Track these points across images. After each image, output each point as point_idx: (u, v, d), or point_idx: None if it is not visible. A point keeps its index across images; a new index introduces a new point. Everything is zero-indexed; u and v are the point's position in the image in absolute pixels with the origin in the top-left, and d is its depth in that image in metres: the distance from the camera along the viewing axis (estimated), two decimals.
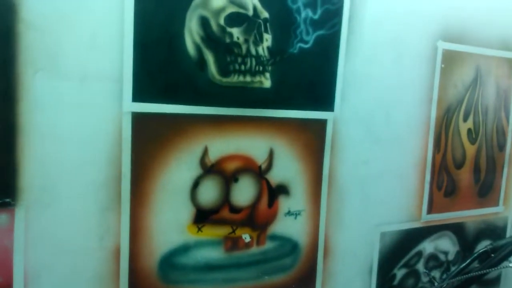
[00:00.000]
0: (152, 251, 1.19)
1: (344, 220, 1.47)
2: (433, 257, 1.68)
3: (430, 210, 1.63)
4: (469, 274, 1.41)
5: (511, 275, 1.92)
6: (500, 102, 1.74)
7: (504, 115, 1.76)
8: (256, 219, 1.32)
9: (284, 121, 1.31)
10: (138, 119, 1.12)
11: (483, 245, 1.69)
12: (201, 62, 1.17)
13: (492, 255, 1.40)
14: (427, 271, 1.66)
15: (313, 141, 1.37)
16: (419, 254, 1.65)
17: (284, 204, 1.36)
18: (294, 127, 1.33)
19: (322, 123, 1.38)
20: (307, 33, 1.30)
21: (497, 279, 1.91)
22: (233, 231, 1.29)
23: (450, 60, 1.58)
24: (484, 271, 1.22)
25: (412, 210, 1.60)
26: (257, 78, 1.25)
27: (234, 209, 1.28)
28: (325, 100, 1.37)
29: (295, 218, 1.38)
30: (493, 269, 1.26)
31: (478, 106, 1.68)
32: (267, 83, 1.27)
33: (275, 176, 1.33)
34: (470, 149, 1.69)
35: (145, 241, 1.18)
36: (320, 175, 1.40)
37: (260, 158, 1.30)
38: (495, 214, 1.84)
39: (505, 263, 1.27)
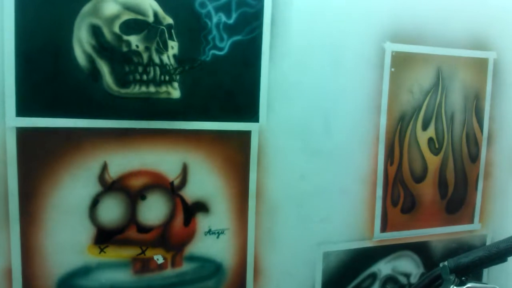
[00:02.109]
0: (48, 273, 1.13)
1: (278, 239, 1.36)
2: (391, 279, 1.53)
3: (384, 228, 1.48)
4: None
5: None
6: (470, 107, 1.56)
7: (477, 122, 1.58)
8: (169, 239, 1.23)
9: (199, 133, 1.22)
10: (24, 135, 1.07)
11: None
12: (94, 72, 1.10)
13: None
14: None
15: (235, 154, 1.27)
16: (373, 276, 1.50)
17: (203, 222, 1.26)
18: (211, 139, 1.24)
19: (246, 134, 1.27)
20: (221, 39, 1.20)
21: None
22: (143, 252, 1.21)
23: (403, 63, 1.43)
24: None
25: (362, 228, 1.46)
26: (163, 88, 1.17)
27: (143, 229, 1.20)
28: (248, 110, 1.27)
29: (218, 237, 1.28)
30: None
31: (441, 113, 1.51)
32: (175, 93, 1.18)
33: (191, 193, 1.24)
34: (433, 161, 1.52)
35: (40, 262, 1.12)
36: (246, 191, 1.30)
37: (172, 173, 1.21)
38: (471, 232, 1.65)
39: None
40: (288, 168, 1.34)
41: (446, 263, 1.02)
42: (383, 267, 1.51)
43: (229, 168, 1.27)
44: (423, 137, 1.49)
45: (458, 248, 1.63)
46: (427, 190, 1.53)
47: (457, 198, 1.59)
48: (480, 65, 1.55)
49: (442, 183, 1.55)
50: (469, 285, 0.94)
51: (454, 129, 1.54)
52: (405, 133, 1.46)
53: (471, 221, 1.63)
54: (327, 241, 1.42)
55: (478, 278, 1.70)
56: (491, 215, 1.68)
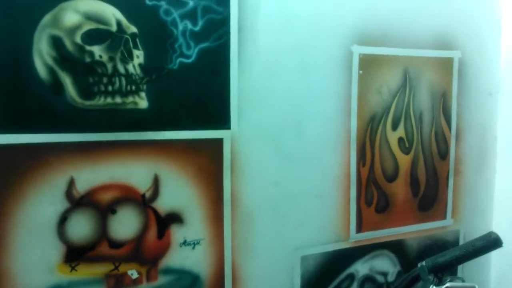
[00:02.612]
0: None
1: (256, 246, 1.34)
2: (369, 279, 1.54)
3: (359, 229, 1.48)
4: None
5: None
6: (438, 106, 1.59)
7: (444, 120, 1.61)
8: (143, 253, 1.20)
9: (169, 143, 1.20)
10: None
11: None
12: (57, 85, 1.06)
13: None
14: None
15: (208, 163, 1.25)
16: (351, 276, 1.50)
17: (178, 233, 1.24)
18: (182, 149, 1.21)
19: (218, 142, 1.26)
20: (188, 47, 1.18)
21: None
22: (116, 268, 1.17)
23: (370, 65, 1.44)
24: None
25: (338, 229, 1.46)
26: (130, 99, 1.14)
27: (115, 244, 1.16)
28: (219, 118, 1.25)
29: (193, 248, 1.26)
30: None
31: (409, 113, 1.53)
32: (143, 103, 1.15)
33: (164, 204, 1.21)
34: (404, 160, 1.54)
35: (8, 284, 1.07)
36: (220, 199, 1.28)
37: (143, 186, 1.18)
38: (443, 228, 1.68)
39: None
40: (262, 174, 1.33)
41: (424, 263, 1.03)
42: (361, 267, 1.51)
43: (202, 177, 1.25)
44: (393, 137, 1.51)
45: (433, 244, 1.65)
46: (400, 189, 1.54)
47: (429, 195, 1.61)
48: (446, 64, 1.58)
49: (413, 182, 1.57)
50: (448, 284, 0.95)
51: (423, 128, 1.56)
52: (376, 134, 1.48)
53: (443, 217, 1.66)
54: (304, 245, 1.41)
55: (453, 272, 1.73)
56: (463, 210, 1.71)
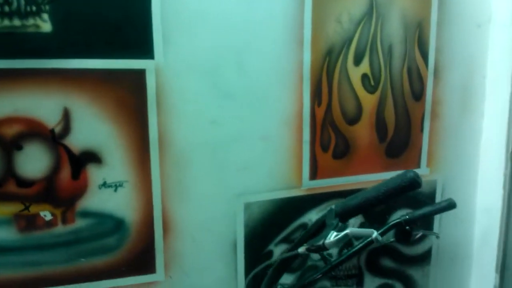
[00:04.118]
0: None
1: (191, 191, 1.23)
2: None
3: (314, 176, 1.34)
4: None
5: (443, 249, 1.61)
6: (412, 38, 1.38)
7: (420, 55, 1.40)
8: (56, 193, 1.10)
9: (80, 73, 1.07)
10: None
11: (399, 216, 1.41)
12: None
13: (407, 227, 1.12)
14: None
15: (128, 97, 1.12)
16: (304, 226, 1.38)
17: (96, 174, 1.13)
18: (97, 80, 1.09)
19: (139, 74, 1.12)
20: None
21: (428, 255, 1.61)
22: (26, 208, 1.09)
23: None
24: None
25: (288, 176, 1.33)
26: (31, 21, 1.01)
27: (23, 182, 1.07)
28: (139, 45, 1.11)
29: (115, 190, 1.15)
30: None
31: (376, 45, 1.33)
32: (46, 26, 1.02)
33: (77, 141, 1.10)
34: (368, 100, 1.36)
35: None
36: (146, 138, 1.16)
37: (51, 120, 1.07)
38: None
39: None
40: (196, 112, 1.20)
41: (333, 206, 0.90)
42: (315, 217, 1.38)
43: (122, 112, 1.12)
44: (355, 73, 1.33)
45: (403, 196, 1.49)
46: (363, 133, 1.38)
47: (399, 140, 1.44)
48: None
49: (380, 125, 1.39)
50: (347, 231, 0.81)
51: (393, 64, 1.37)
52: (334, 70, 1.30)
53: (417, 165, 1.49)
54: (248, 191, 1.29)
55: (427, 226, 1.59)
56: (441, 158, 1.53)
